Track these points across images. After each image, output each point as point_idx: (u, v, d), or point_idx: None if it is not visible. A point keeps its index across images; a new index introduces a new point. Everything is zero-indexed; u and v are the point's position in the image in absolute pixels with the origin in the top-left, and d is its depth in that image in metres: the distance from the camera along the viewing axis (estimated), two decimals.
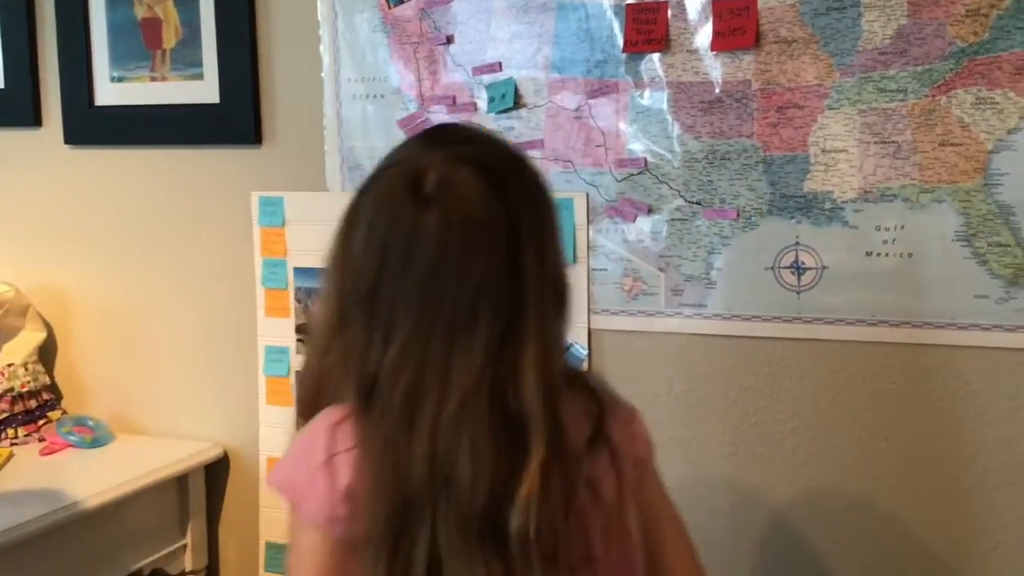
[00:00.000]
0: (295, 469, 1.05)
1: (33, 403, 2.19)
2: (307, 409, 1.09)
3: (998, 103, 1.56)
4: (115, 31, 2.16)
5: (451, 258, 0.98)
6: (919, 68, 1.59)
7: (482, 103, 1.86)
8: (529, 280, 1.00)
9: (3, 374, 2.15)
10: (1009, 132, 1.56)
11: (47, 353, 2.28)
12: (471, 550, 0.96)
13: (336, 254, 1.05)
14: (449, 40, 1.88)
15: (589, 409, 1.07)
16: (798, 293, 1.70)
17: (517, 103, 1.84)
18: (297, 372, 1.21)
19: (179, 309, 2.18)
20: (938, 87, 1.59)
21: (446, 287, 0.98)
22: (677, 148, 1.74)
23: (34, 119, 2.25)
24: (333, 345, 1.04)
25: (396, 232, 0.99)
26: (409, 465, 0.97)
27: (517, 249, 1.00)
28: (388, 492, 0.97)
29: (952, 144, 1.59)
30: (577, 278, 1.81)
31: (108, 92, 2.18)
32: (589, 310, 1.82)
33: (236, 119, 2.06)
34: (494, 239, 0.99)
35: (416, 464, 0.97)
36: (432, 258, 0.98)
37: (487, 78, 1.85)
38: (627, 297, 1.80)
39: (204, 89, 2.08)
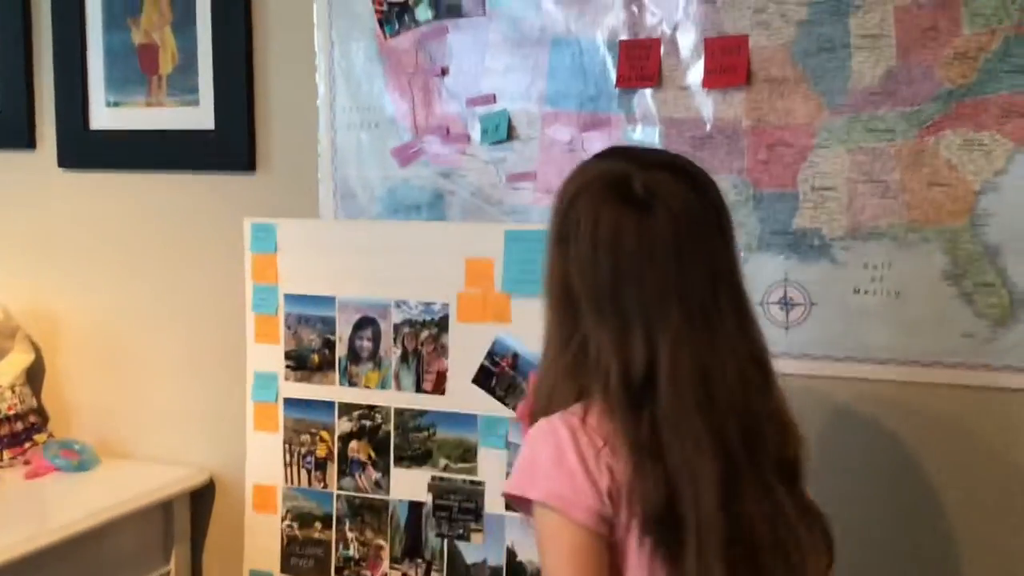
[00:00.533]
0: (554, 479, 1.10)
1: (19, 425, 2.18)
2: (543, 414, 1.16)
3: (986, 144, 1.58)
4: (112, 56, 2.17)
5: (688, 252, 1.10)
6: (908, 109, 1.62)
7: (476, 134, 1.88)
8: (735, 251, 1.17)
9: None
10: (996, 174, 1.58)
11: (35, 375, 2.28)
12: (777, 493, 1.11)
13: (556, 267, 1.15)
14: (444, 71, 1.89)
15: None
16: (786, 329, 1.71)
17: (510, 135, 1.85)
18: (532, 382, 1.26)
19: (168, 333, 2.18)
20: (927, 128, 1.61)
21: (692, 278, 1.10)
22: None
23: (28, 141, 2.26)
24: (566, 350, 1.14)
25: (624, 234, 1.10)
26: (722, 434, 1.08)
27: (726, 236, 1.16)
28: (706, 462, 1.07)
29: (940, 184, 1.61)
30: None
31: (103, 116, 2.19)
32: None
33: (231, 146, 2.07)
34: (712, 229, 1.13)
35: (729, 431, 1.09)
36: (673, 253, 1.09)
37: (481, 110, 1.87)
38: None
39: (199, 115, 2.09)
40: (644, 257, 1.09)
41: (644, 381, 1.09)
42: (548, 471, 1.11)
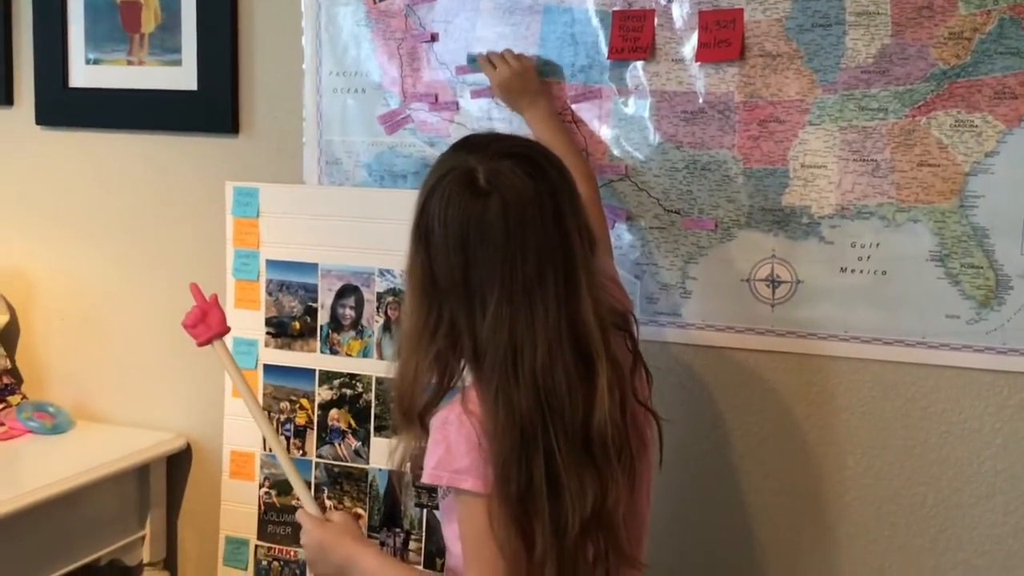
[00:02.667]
0: (456, 458, 1.22)
1: None
2: (407, 407, 1.28)
3: (977, 126, 1.58)
4: (93, 12, 2.13)
5: (515, 234, 1.20)
6: (900, 88, 1.61)
7: (464, 102, 1.86)
8: (573, 238, 1.23)
9: None
10: (987, 155, 1.58)
11: (9, 336, 2.24)
12: (578, 456, 1.21)
13: (418, 262, 1.25)
14: (434, 38, 1.87)
15: (626, 341, 1.35)
16: (772, 306, 1.71)
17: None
18: (389, 379, 1.36)
19: (147, 296, 2.15)
20: (918, 108, 1.61)
21: (515, 258, 1.19)
22: (658, 156, 1.75)
23: (6, 98, 2.22)
24: (435, 340, 1.24)
25: (469, 223, 1.20)
26: (520, 403, 1.19)
27: (560, 216, 1.23)
28: (507, 430, 1.19)
29: (930, 165, 1.61)
30: None
31: (83, 74, 2.15)
32: None
33: (214, 107, 2.03)
34: (544, 212, 1.21)
35: (524, 400, 1.19)
36: (501, 237, 1.20)
37: (470, 77, 1.85)
38: None
39: (182, 75, 2.06)
40: (479, 240, 1.20)
41: (482, 356, 1.22)
42: (453, 452, 1.23)
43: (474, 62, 1.82)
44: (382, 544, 1.94)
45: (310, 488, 1.93)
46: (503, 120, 1.83)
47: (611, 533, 1.25)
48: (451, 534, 1.34)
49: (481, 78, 1.83)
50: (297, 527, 1.95)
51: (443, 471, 1.23)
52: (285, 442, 2.00)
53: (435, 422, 1.26)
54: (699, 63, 1.70)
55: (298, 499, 1.53)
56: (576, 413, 1.21)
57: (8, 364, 2.21)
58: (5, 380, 2.18)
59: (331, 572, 1.40)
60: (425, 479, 1.25)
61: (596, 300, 1.24)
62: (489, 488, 1.21)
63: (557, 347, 1.20)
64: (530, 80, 1.74)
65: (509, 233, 1.20)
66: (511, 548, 1.20)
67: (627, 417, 1.27)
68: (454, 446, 1.22)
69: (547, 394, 1.20)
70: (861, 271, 1.66)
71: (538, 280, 1.20)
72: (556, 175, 1.25)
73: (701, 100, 1.71)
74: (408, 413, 1.29)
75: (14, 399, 2.17)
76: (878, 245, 1.64)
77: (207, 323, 1.57)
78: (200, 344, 1.57)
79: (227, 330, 1.59)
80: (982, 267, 1.60)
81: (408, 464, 1.36)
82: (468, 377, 1.26)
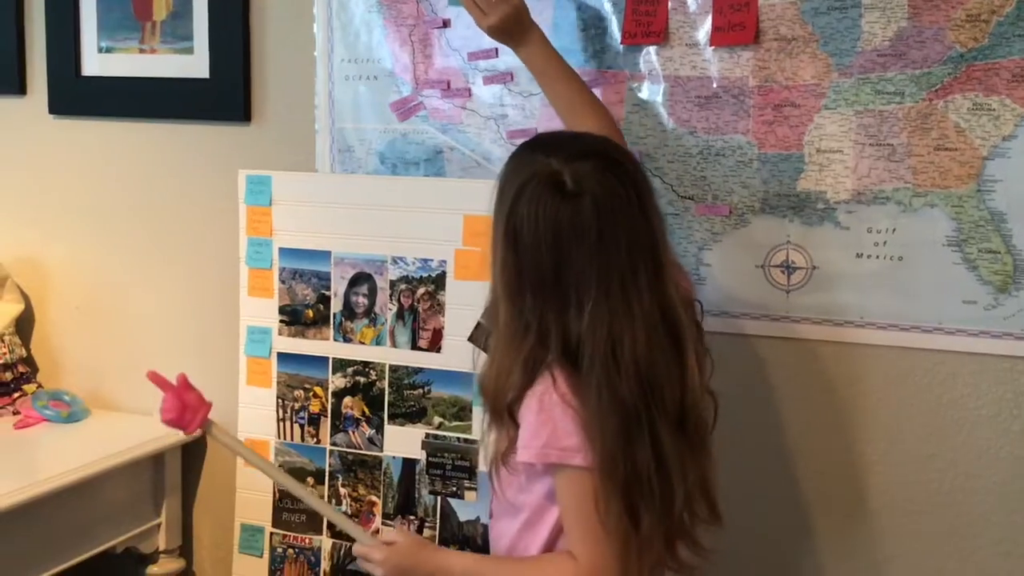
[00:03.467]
0: (563, 437, 1.27)
1: (8, 375, 2.16)
2: (499, 404, 1.33)
3: (994, 110, 1.56)
4: (105, 1, 2.13)
5: (608, 230, 1.26)
6: (917, 72, 1.59)
7: (477, 89, 1.85)
8: (656, 227, 1.31)
9: None
10: (1004, 139, 1.56)
11: (24, 325, 2.25)
12: (676, 434, 1.28)
13: (508, 265, 1.29)
14: (445, 24, 1.86)
15: (692, 315, 1.39)
16: (787, 292, 1.70)
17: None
18: (481, 373, 1.40)
19: (161, 285, 2.16)
20: (935, 91, 1.59)
21: (610, 252, 1.26)
22: (672, 142, 1.74)
23: (19, 87, 2.22)
24: (527, 338, 1.29)
25: (562, 225, 1.25)
26: (624, 392, 1.25)
27: (644, 207, 1.29)
28: (609, 416, 1.24)
29: (947, 149, 1.59)
30: None
31: (95, 62, 2.15)
32: None
33: (226, 95, 2.03)
34: (631, 206, 1.27)
35: (628, 388, 1.25)
36: (596, 234, 1.25)
37: (483, 63, 1.84)
38: None
39: (194, 64, 2.05)
40: (573, 241, 1.26)
41: (577, 348, 1.27)
42: (557, 431, 1.28)
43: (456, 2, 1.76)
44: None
45: (325, 476, 1.94)
46: (516, 107, 1.82)
47: (709, 498, 1.35)
48: (516, 521, 1.39)
49: (494, 64, 1.82)
50: (315, 517, 1.97)
51: (551, 449, 1.28)
52: (300, 431, 2.00)
53: (531, 404, 1.29)
54: (713, 47, 1.69)
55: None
56: (675, 393, 1.28)
57: (24, 353, 2.22)
58: (21, 369, 2.19)
59: None
60: (530, 458, 1.29)
61: (677, 283, 1.32)
62: (593, 465, 1.26)
63: (654, 334, 1.27)
64: (524, 15, 1.64)
65: (602, 231, 1.25)
66: (618, 525, 1.26)
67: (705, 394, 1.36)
68: (560, 425, 1.27)
69: (650, 380, 1.26)
70: (877, 256, 1.65)
71: (632, 272, 1.26)
72: (633, 168, 1.32)
73: (715, 85, 1.70)
74: (500, 411, 1.34)
75: (30, 388, 2.18)
76: (894, 230, 1.63)
77: (190, 408, 1.50)
78: (190, 432, 1.52)
79: (210, 406, 1.54)
80: (1000, 252, 1.58)
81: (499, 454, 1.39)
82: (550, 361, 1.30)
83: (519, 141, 1.81)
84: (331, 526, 1.99)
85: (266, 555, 2.05)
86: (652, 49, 1.73)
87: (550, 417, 1.27)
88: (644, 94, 1.74)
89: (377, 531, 1.88)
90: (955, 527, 1.66)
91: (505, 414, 1.33)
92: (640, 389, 1.25)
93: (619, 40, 1.74)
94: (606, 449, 1.25)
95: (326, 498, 1.98)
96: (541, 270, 1.27)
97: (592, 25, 1.76)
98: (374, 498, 1.96)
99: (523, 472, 1.34)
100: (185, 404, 1.50)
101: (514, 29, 1.63)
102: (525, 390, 1.30)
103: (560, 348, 1.27)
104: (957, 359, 1.63)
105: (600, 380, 1.25)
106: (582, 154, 1.29)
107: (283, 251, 1.99)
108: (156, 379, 1.51)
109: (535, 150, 1.33)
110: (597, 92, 1.76)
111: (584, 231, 1.25)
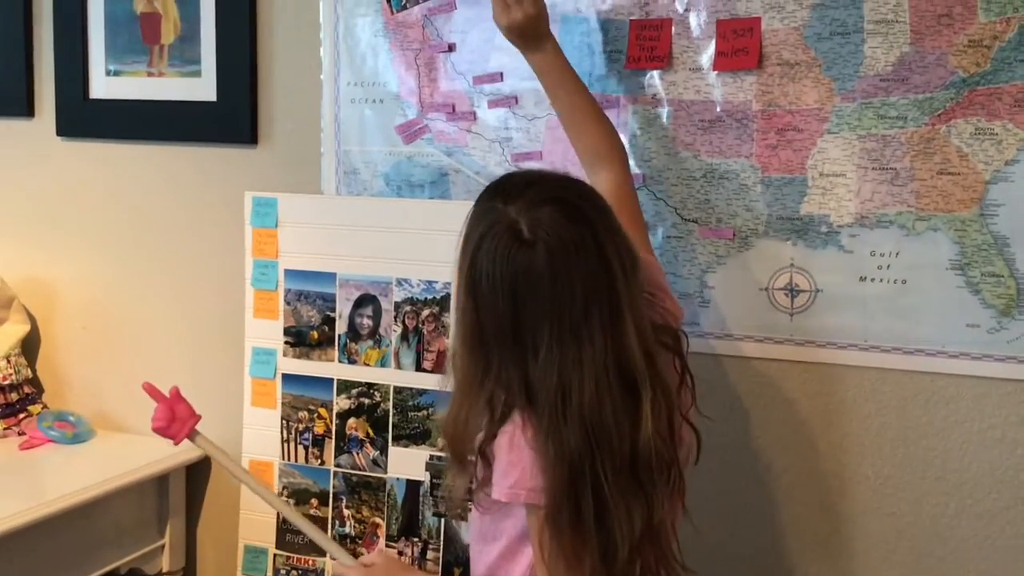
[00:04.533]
0: (531, 478, 1.27)
1: (14, 396, 2.17)
2: (460, 450, 1.35)
3: (997, 134, 1.57)
4: (113, 24, 2.15)
5: (561, 277, 1.24)
6: (920, 96, 1.60)
7: (482, 112, 1.86)
8: (615, 268, 1.26)
9: None
10: (1007, 163, 1.57)
11: (30, 346, 2.26)
12: (625, 483, 1.25)
13: (468, 313, 1.29)
14: (451, 48, 1.87)
15: (674, 360, 1.38)
16: (791, 315, 1.71)
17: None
18: (441, 419, 1.45)
19: (166, 306, 2.16)
20: (938, 116, 1.60)
21: (563, 300, 1.24)
22: (675, 165, 1.74)
23: (27, 110, 2.24)
24: (485, 386, 1.30)
25: (518, 274, 1.25)
26: (569, 441, 1.23)
27: (601, 251, 1.26)
28: (556, 465, 1.24)
29: (950, 173, 1.60)
30: None
31: (103, 85, 2.17)
32: None
33: (233, 118, 2.05)
34: (587, 251, 1.25)
35: (572, 438, 1.23)
36: (549, 283, 1.24)
37: (488, 87, 1.85)
38: None
39: (201, 87, 2.07)
40: (527, 289, 1.25)
41: (533, 398, 1.27)
42: (530, 473, 1.27)
43: None
44: (400, 553, 1.94)
45: (328, 497, 1.94)
46: (520, 130, 1.83)
47: (659, 547, 1.31)
48: (495, 547, 1.39)
49: (499, 88, 1.84)
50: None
51: (521, 489, 1.28)
52: (304, 452, 2.00)
53: (503, 443, 1.30)
54: (717, 72, 1.70)
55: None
56: (623, 442, 1.26)
57: (29, 374, 2.22)
58: (26, 390, 2.20)
59: None
60: (502, 496, 1.30)
61: (639, 328, 1.28)
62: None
63: (604, 382, 1.25)
64: (544, 20, 1.63)
65: (556, 279, 1.24)
66: (560, 569, 1.26)
67: (675, 435, 1.33)
68: (528, 467, 1.27)
69: (595, 429, 1.24)
70: (881, 280, 1.65)
71: (584, 319, 1.24)
72: (592, 211, 1.29)
73: (719, 109, 1.71)
74: (461, 455, 1.35)
75: (35, 408, 2.19)
76: (898, 254, 1.64)
77: (179, 419, 1.58)
78: (178, 442, 1.58)
79: (199, 418, 1.59)
80: (1003, 276, 1.59)
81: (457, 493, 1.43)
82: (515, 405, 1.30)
83: (523, 164, 1.84)
84: None
85: None
86: (656, 73, 1.74)
87: (520, 458, 1.28)
88: (648, 118, 1.75)
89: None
90: (958, 552, 1.65)
91: (476, 455, 1.33)
92: (585, 439, 1.24)
93: (623, 64, 1.75)
94: (552, 495, 1.25)
95: (329, 520, 1.98)
96: (499, 319, 1.27)
97: (595, 49, 1.77)
98: (378, 520, 1.96)
99: (497, 509, 1.35)
100: (175, 415, 1.58)
101: (531, 33, 1.62)
102: (494, 430, 1.31)
103: (524, 395, 1.28)
104: (961, 382, 1.63)
105: (549, 428, 1.25)
106: (540, 200, 1.27)
107: (288, 273, 2.00)
108: (150, 390, 1.61)
109: (494, 197, 1.32)
110: None
111: (537, 279, 1.24)
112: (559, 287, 1.24)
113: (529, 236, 1.25)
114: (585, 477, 1.24)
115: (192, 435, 1.59)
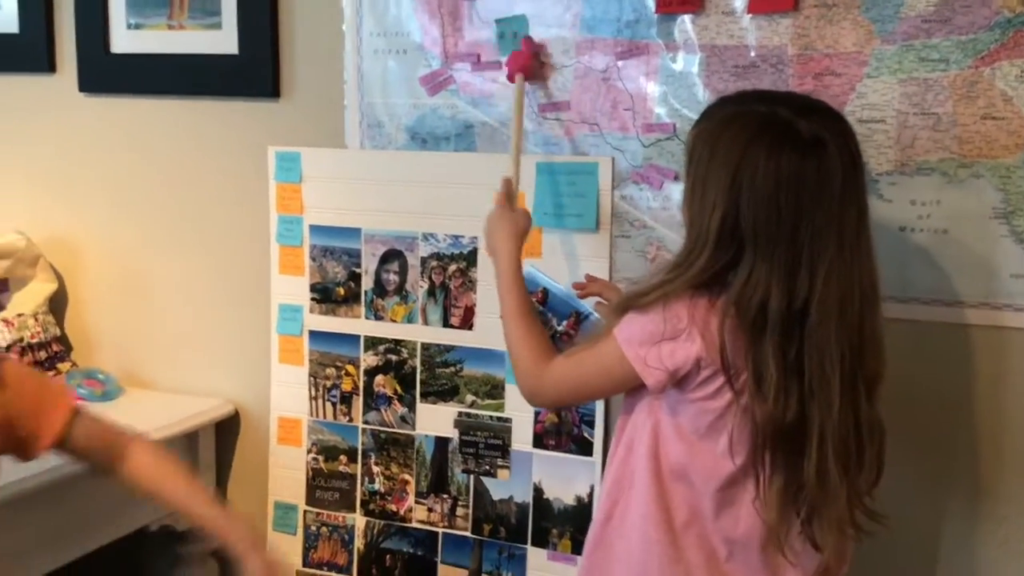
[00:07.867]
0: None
1: (43, 354, 2.17)
2: (635, 300, 1.32)
3: None
4: None
5: (849, 190, 1.23)
6: (963, 38, 1.54)
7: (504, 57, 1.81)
8: (866, 190, 1.28)
9: (13, 324, 2.12)
10: None
11: (57, 304, 2.26)
12: (860, 405, 1.29)
13: (724, 210, 1.23)
14: None
15: None
16: None
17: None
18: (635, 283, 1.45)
19: (192, 263, 2.15)
20: (982, 58, 1.53)
21: (849, 214, 1.23)
22: None
23: (49, 65, 2.21)
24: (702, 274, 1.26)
25: (804, 176, 1.21)
26: (843, 351, 1.23)
27: (864, 173, 1.28)
28: (833, 379, 1.24)
29: (994, 118, 1.54)
30: (599, 245, 1.77)
31: (124, 39, 2.14)
32: (611, 278, 1.77)
33: (254, 71, 2.01)
34: (860, 168, 1.26)
35: (847, 348, 1.24)
36: (839, 192, 1.22)
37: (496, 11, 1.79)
38: (650, 265, 1.76)
39: (222, 39, 2.03)
40: (816, 197, 1.21)
41: (802, 307, 1.23)
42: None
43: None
44: (429, 510, 1.93)
45: (357, 454, 1.93)
46: (548, 79, 1.78)
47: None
48: (641, 429, 1.37)
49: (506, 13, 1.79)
50: (349, 495, 1.97)
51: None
52: (332, 409, 1.99)
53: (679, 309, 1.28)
54: (751, 15, 1.64)
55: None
56: (871, 358, 1.29)
57: (58, 332, 2.22)
58: (55, 348, 2.19)
59: (488, 244, 1.60)
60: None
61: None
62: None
63: (873, 295, 1.27)
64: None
65: (845, 188, 1.22)
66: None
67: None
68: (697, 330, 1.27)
69: (863, 338, 1.26)
70: (921, 230, 1.60)
71: (856, 234, 1.24)
72: (850, 131, 1.29)
73: (753, 54, 1.65)
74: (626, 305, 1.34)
75: (64, 366, 2.19)
76: (939, 202, 1.58)
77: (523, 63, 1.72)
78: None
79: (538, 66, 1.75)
80: None
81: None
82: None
83: (552, 114, 1.80)
84: (364, 504, 1.98)
85: (300, 533, 2.05)
86: (687, 18, 1.68)
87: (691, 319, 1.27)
88: (679, 65, 1.70)
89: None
90: (1006, 508, 1.62)
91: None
92: (851, 353, 1.25)
93: (653, 9, 1.70)
94: (829, 415, 1.24)
95: (359, 476, 1.98)
96: (772, 221, 1.22)
97: None
98: (407, 476, 1.95)
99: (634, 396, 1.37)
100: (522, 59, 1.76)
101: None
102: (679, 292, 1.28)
103: (782, 305, 1.22)
104: (1004, 334, 1.58)
105: (824, 339, 1.22)
106: (807, 107, 1.26)
107: (313, 228, 1.98)
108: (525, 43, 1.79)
109: (749, 102, 1.29)
110: (630, 63, 1.72)
111: (825, 186, 1.21)
112: (846, 199, 1.22)
113: (811, 140, 1.22)
114: (858, 389, 1.27)
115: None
